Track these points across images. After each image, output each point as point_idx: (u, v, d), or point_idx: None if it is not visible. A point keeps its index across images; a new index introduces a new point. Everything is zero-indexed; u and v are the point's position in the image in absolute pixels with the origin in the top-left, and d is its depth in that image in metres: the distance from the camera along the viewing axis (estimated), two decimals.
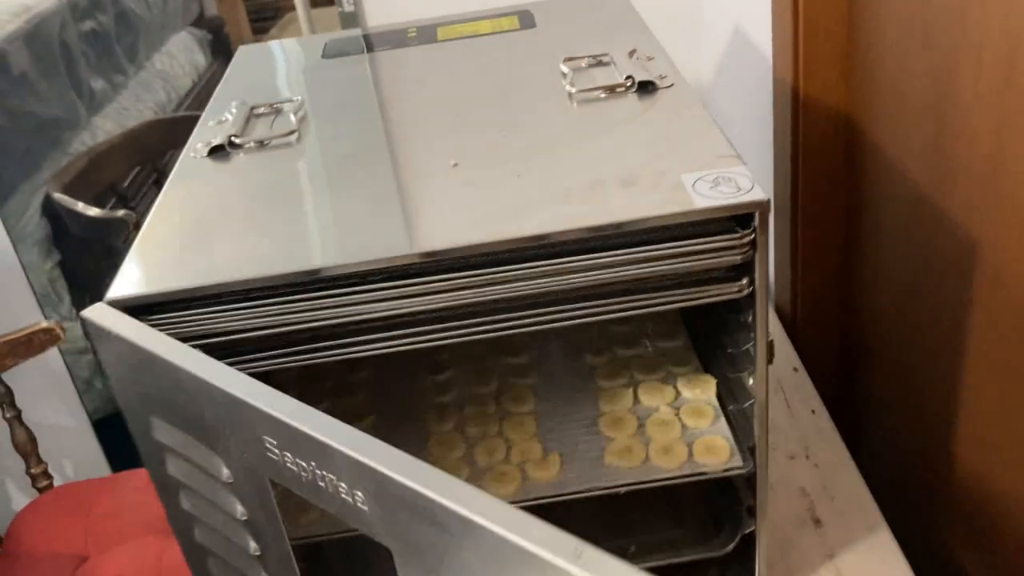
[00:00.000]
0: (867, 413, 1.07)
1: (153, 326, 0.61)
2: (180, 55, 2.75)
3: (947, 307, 0.85)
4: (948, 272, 0.83)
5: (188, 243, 0.66)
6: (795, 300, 1.09)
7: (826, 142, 0.99)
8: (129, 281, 0.62)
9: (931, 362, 0.89)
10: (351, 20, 1.48)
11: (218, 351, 0.63)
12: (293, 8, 2.06)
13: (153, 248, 0.66)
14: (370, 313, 0.62)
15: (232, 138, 0.77)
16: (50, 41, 2.04)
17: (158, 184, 2.15)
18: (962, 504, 0.89)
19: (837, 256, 1.05)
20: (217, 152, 0.77)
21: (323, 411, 0.83)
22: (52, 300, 1.84)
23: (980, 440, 0.84)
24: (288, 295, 0.61)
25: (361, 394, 0.85)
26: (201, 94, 2.75)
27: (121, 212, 1.70)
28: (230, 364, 0.62)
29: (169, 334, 0.61)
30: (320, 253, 0.62)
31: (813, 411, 0.98)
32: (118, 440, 1.95)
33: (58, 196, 1.71)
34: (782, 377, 1.04)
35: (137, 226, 1.82)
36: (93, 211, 1.69)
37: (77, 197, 1.76)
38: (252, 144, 0.77)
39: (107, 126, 2.15)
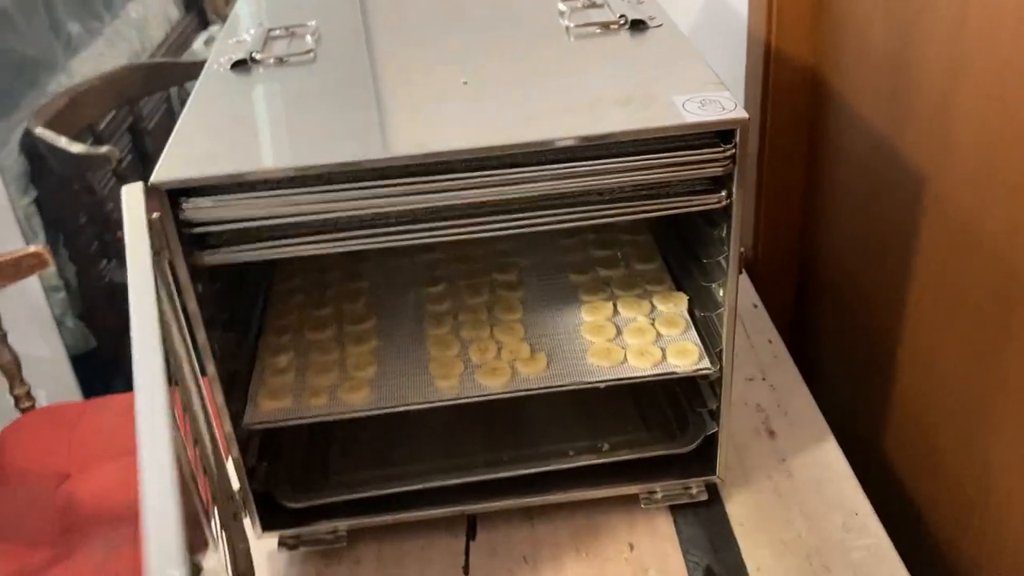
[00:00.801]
0: (820, 345, 1.17)
1: (186, 210, 0.67)
2: (154, 5, 2.76)
3: (896, 237, 0.94)
4: (898, 207, 0.93)
5: (216, 140, 0.72)
6: (756, 241, 1.18)
7: (793, 94, 1.08)
8: (168, 168, 0.68)
9: (880, 290, 0.99)
10: None
11: (241, 236, 0.69)
12: None
13: (186, 143, 0.72)
14: (382, 208, 0.69)
15: (253, 54, 0.83)
16: None
17: (132, 128, 2.18)
18: (903, 421, 0.99)
19: (798, 201, 1.15)
20: (239, 66, 0.83)
21: (327, 315, 0.90)
22: (28, 237, 1.86)
23: (921, 361, 0.94)
24: (307, 187, 0.67)
25: (362, 301, 0.92)
26: (173, 46, 2.77)
27: (104, 148, 1.73)
28: (249, 250, 0.69)
29: (198, 218, 0.68)
30: (340, 151, 0.68)
31: (770, 341, 1.07)
32: (88, 376, 1.98)
33: (41, 131, 1.74)
34: (742, 313, 1.12)
35: (120, 163, 1.86)
36: (76, 147, 1.72)
37: (57, 134, 1.78)
38: (272, 61, 0.83)
39: (83, 70, 2.17)
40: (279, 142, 0.72)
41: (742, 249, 0.75)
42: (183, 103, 2.47)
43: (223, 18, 3.04)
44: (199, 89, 0.80)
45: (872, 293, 1.02)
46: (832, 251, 1.11)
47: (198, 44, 2.78)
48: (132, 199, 0.68)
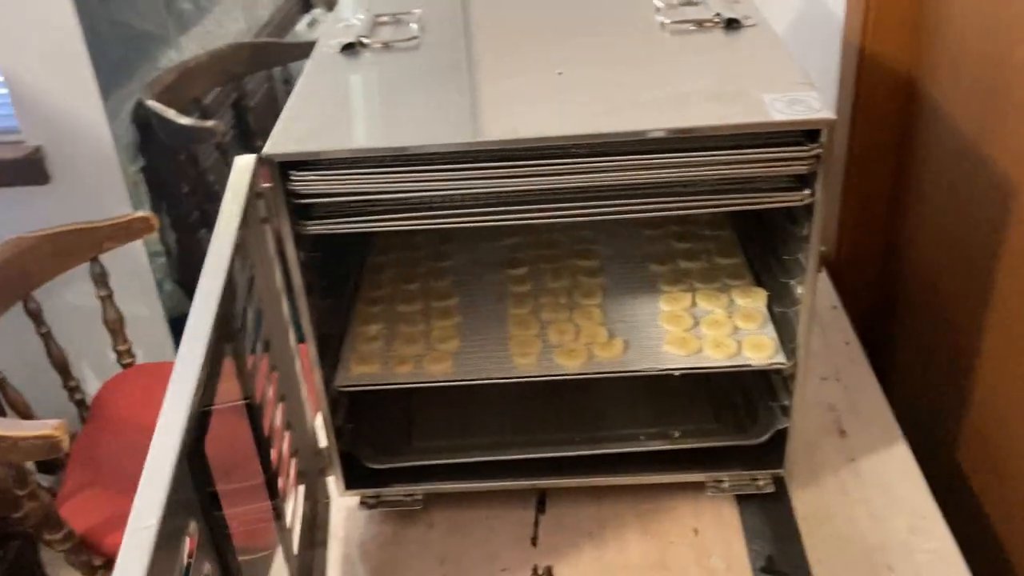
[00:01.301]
0: (898, 348, 1.17)
1: (294, 182, 0.72)
2: None
3: (982, 246, 0.93)
4: (986, 215, 0.92)
5: (325, 117, 0.76)
6: (839, 242, 1.18)
7: (885, 97, 1.08)
8: (280, 141, 0.72)
9: (962, 298, 0.99)
10: None
11: (342, 209, 0.74)
12: None
13: (296, 119, 0.76)
14: (473, 189, 0.73)
15: (361, 39, 0.88)
16: None
17: (236, 104, 2.27)
18: (978, 429, 0.99)
19: (883, 204, 1.14)
20: (348, 49, 0.87)
21: (415, 290, 0.94)
22: (134, 203, 1.95)
23: (1000, 370, 0.93)
24: (406, 166, 0.72)
25: (448, 279, 0.96)
26: (278, 26, 2.86)
27: (210, 122, 1.81)
28: (349, 222, 0.73)
29: (305, 190, 0.72)
30: (437, 134, 0.72)
31: (847, 342, 1.07)
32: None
33: (152, 103, 1.83)
34: (820, 313, 1.13)
35: (223, 137, 1.94)
36: (184, 119, 1.80)
37: (166, 107, 1.87)
38: (378, 45, 0.88)
39: (191, 47, 2.26)
40: (381, 123, 0.77)
41: (822, 248, 0.76)
42: (285, 82, 2.55)
43: (326, 1, 3.13)
44: (310, 69, 0.85)
45: (954, 300, 1.02)
46: (916, 256, 1.11)
47: (301, 26, 2.87)
48: (241, 169, 0.73)
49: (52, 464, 1.62)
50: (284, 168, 0.72)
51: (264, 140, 0.71)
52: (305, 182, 0.72)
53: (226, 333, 0.60)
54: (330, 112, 0.77)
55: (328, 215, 0.75)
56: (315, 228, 0.74)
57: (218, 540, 0.54)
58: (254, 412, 0.67)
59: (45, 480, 1.54)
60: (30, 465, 1.35)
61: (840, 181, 1.18)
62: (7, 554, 1.59)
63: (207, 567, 0.52)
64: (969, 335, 0.98)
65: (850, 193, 1.15)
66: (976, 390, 0.98)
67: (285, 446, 0.78)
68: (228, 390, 0.64)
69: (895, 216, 1.16)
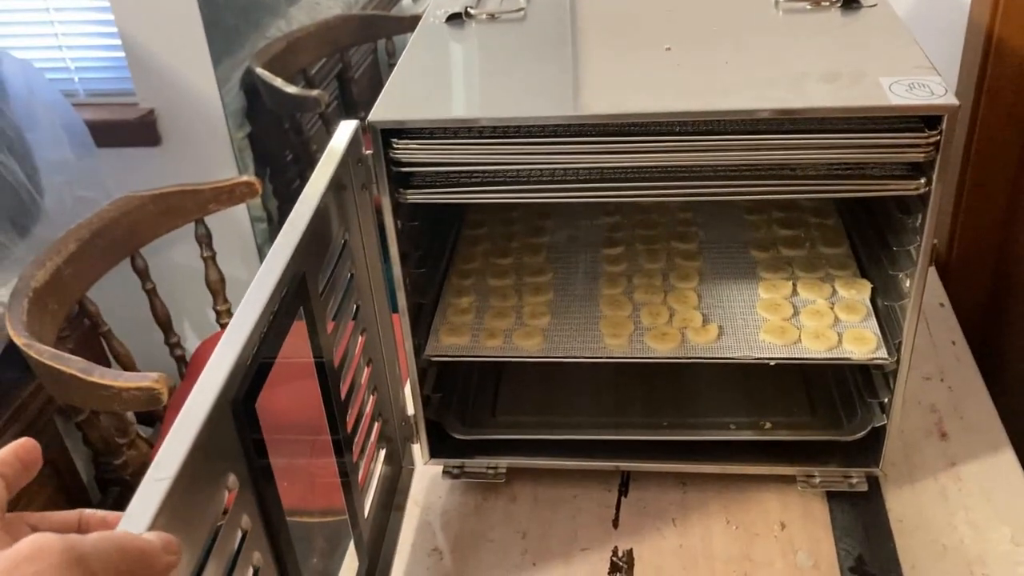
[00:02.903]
0: (1008, 352, 1.11)
1: (396, 150, 0.72)
2: None
3: None
4: None
5: (429, 87, 0.76)
6: (952, 243, 1.13)
7: (1012, 87, 1.02)
8: (384, 109, 0.73)
9: None
10: None
11: (441, 179, 0.74)
12: None
13: (400, 89, 0.77)
14: (573, 164, 0.72)
15: (468, 9, 0.87)
16: None
17: (340, 76, 2.30)
18: None
19: (1003, 201, 1.09)
20: (454, 19, 0.87)
21: (508, 264, 0.94)
22: (240, 168, 2.00)
23: None
24: (505, 137, 0.71)
25: (543, 255, 0.95)
26: (383, 0, 2.89)
27: (315, 92, 1.85)
28: (447, 193, 0.73)
29: (405, 158, 0.72)
30: (538, 106, 0.71)
31: (954, 342, 1.03)
32: None
33: (260, 71, 1.87)
34: (927, 311, 1.08)
35: (327, 106, 1.97)
36: (290, 88, 1.84)
37: (274, 75, 1.91)
38: (484, 16, 0.87)
39: (300, 17, 2.30)
40: (483, 94, 0.76)
41: (935, 241, 0.73)
42: (389, 55, 2.58)
43: None
44: (416, 38, 0.85)
45: None
46: None
47: (406, 1, 2.89)
48: (341, 135, 0.73)
49: (151, 416, 1.69)
50: (386, 135, 0.72)
51: (366, 111, 0.72)
52: (407, 150, 0.73)
53: (298, 292, 0.61)
54: (433, 82, 0.77)
55: (427, 184, 0.75)
56: (414, 196, 0.75)
57: (264, 497, 0.53)
58: (326, 372, 0.67)
59: (144, 431, 1.61)
60: (131, 416, 1.41)
61: (957, 173, 1.12)
62: (107, 499, 1.66)
63: (245, 521, 0.51)
64: None
65: (966, 186, 1.09)
66: None
67: (368, 409, 0.78)
68: (301, 348, 0.65)
69: (1013, 214, 1.10)
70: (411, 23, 2.48)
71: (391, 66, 2.50)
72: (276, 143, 2.08)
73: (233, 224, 1.85)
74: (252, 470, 0.52)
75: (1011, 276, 1.11)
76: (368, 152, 0.73)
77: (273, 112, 1.97)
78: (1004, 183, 1.10)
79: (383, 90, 0.75)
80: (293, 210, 0.66)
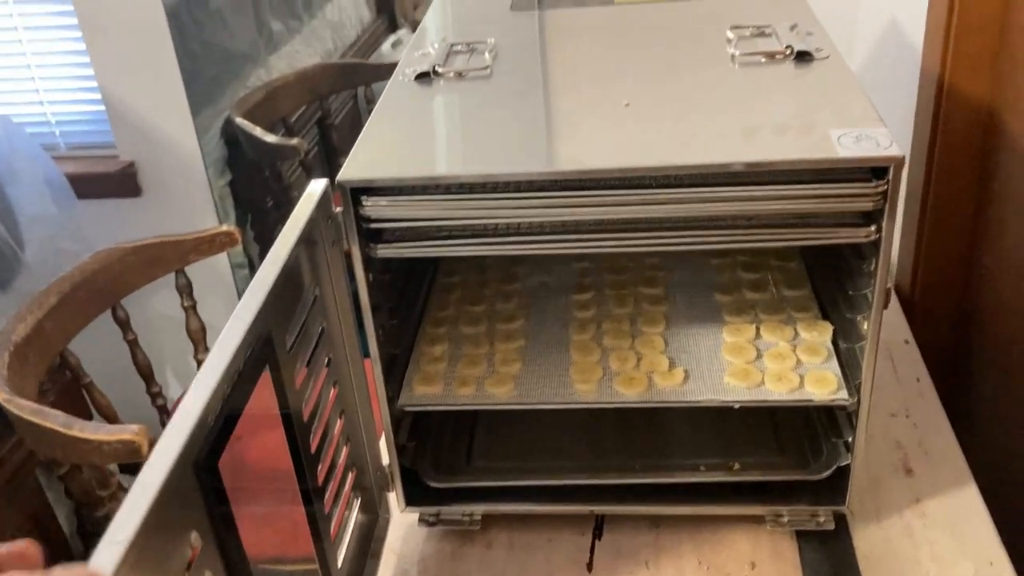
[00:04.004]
0: (973, 387, 1.14)
1: (366, 207, 0.74)
2: (349, 8, 2.95)
3: None
4: None
5: (398, 145, 0.79)
6: (915, 279, 1.16)
7: (963, 134, 1.06)
8: (353, 168, 0.75)
9: None
10: None
11: (411, 233, 0.76)
12: None
13: (370, 146, 0.79)
14: (541, 217, 0.74)
15: (436, 67, 0.90)
16: None
17: (320, 122, 2.33)
18: None
19: (962, 242, 1.12)
20: (422, 78, 0.90)
21: (481, 311, 0.96)
22: (220, 216, 2.02)
23: None
24: (474, 193, 0.73)
25: (514, 302, 0.97)
26: (364, 47, 2.94)
27: (294, 140, 1.88)
28: (418, 247, 0.76)
29: (375, 215, 0.75)
30: (505, 162, 0.74)
31: (918, 379, 1.05)
32: None
33: (240, 121, 1.90)
34: (892, 347, 1.11)
35: (307, 155, 2.00)
36: (270, 137, 1.87)
37: (254, 124, 1.94)
38: (452, 74, 0.90)
39: (280, 66, 2.34)
40: (451, 151, 0.79)
41: (889, 285, 0.75)
42: (368, 101, 2.61)
43: (411, 22, 3.20)
44: (386, 97, 0.88)
45: None
46: (996, 295, 1.08)
47: (386, 46, 2.94)
48: (312, 193, 0.76)
49: (135, 465, 1.69)
50: (356, 193, 0.74)
51: (345, 157, 0.74)
52: (377, 207, 0.75)
53: (264, 350, 0.63)
54: (402, 140, 0.80)
55: (398, 239, 0.77)
56: (385, 251, 0.77)
57: (228, 551, 0.54)
58: (294, 427, 0.69)
59: (127, 481, 1.61)
60: (113, 466, 1.41)
61: (917, 212, 1.15)
62: (89, 551, 1.66)
63: None
64: None
65: (927, 225, 1.13)
66: None
67: (342, 460, 0.80)
68: (272, 400, 0.66)
69: (974, 251, 1.13)
70: (389, 71, 2.52)
71: (371, 112, 2.54)
72: (257, 190, 2.10)
73: (214, 271, 1.87)
74: (215, 527, 0.53)
75: (974, 312, 1.14)
76: (338, 209, 0.75)
77: (253, 160, 2.00)
78: (962, 221, 1.13)
79: (353, 148, 0.78)
80: (261, 267, 0.68)
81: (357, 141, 0.79)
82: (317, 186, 0.75)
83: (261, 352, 0.62)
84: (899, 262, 1.22)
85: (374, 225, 0.76)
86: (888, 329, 0.79)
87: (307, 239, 0.73)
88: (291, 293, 0.70)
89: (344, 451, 0.82)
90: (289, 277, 0.69)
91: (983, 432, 1.11)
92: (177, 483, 0.48)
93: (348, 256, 0.77)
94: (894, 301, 1.20)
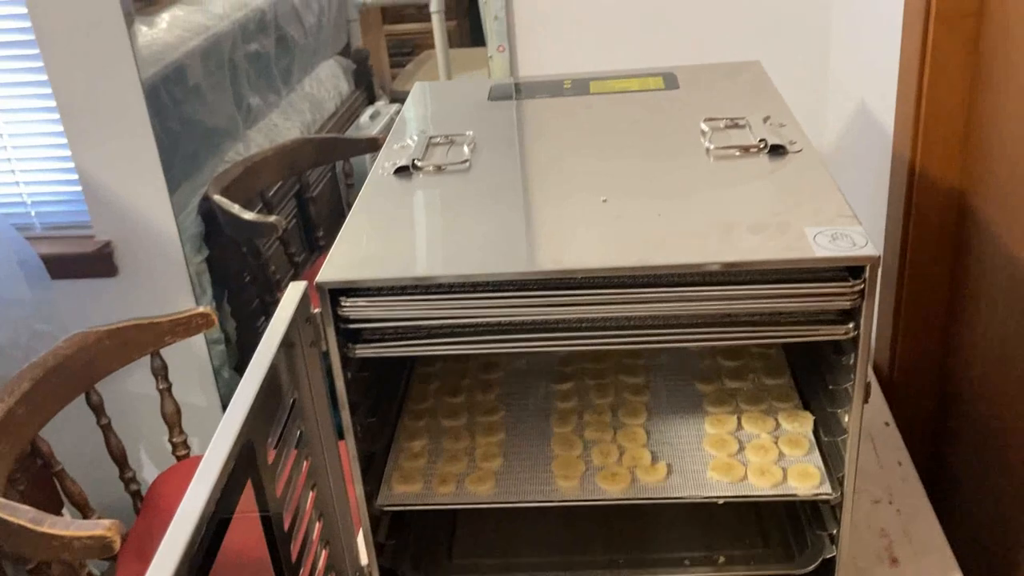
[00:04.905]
0: (955, 467, 1.14)
1: (345, 307, 0.74)
2: (327, 81, 2.97)
3: None
4: None
5: (377, 244, 0.79)
6: (893, 360, 1.17)
7: (936, 215, 1.07)
8: (332, 269, 0.75)
9: (1022, 435, 0.96)
10: (501, 67, 1.62)
11: (390, 332, 0.76)
12: (430, 46, 2.23)
13: (350, 246, 0.79)
14: (520, 316, 0.74)
15: (415, 161, 0.91)
16: (221, 59, 2.25)
17: (298, 196, 2.34)
18: None
19: (938, 323, 1.13)
20: (401, 172, 0.91)
21: (460, 403, 0.95)
22: (197, 291, 2.01)
23: None
24: (453, 294, 0.73)
25: (494, 393, 0.97)
26: (342, 118, 2.97)
27: (272, 218, 1.87)
28: (397, 347, 0.75)
29: (354, 315, 0.74)
30: (485, 262, 0.74)
31: (900, 463, 1.05)
32: None
33: (218, 198, 1.90)
34: (873, 430, 1.11)
35: (284, 231, 2.00)
36: (248, 214, 1.87)
37: (231, 200, 1.94)
38: (431, 168, 0.91)
39: (258, 139, 2.35)
40: (431, 251, 0.79)
41: (869, 379, 0.76)
42: (347, 175, 2.61)
43: (389, 93, 3.23)
44: (364, 192, 0.88)
45: (1015, 421, 0.99)
46: (974, 376, 1.09)
47: (364, 118, 2.97)
48: (291, 297, 0.75)
49: None
50: (334, 294, 0.74)
51: (325, 230, 0.74)
52: (355, 307, 0.74)
53: (247, 461, 0.62)
54: (381, 239, 0.80)
55: (376, 339, 0.77)
56: (364, 351, 0.76)
57: None
58: (275, 537, 0.68)
59: (97, 568, 1.57)
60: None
61: (894, 292, 1.16)
62: None
63: None
64: None
65: (904, 307, 1.14)
66: None
67: (321, 564, 0.78)
68: (250, 518, 0.65)
69: (950, 331, 1.14)
70: (368, 144, 2.54)
71: (349, 186, 2.54)
72: (234, 266, 2.09)
73: (190, 347, 1.85)
74: None
75: (952, 391, 1.15)
76: (316, 310, 0.74)
77: (231, 237, 1.99)
78: (938, 302, 1.14)
79: (332, 248, 0.78)
80: (245, 375, 0.67)
81: (336, 240, 0.79)
82: (296, 289, 0.75)
83: (246, 464, 0.62)
84: (877, 343, 1.22)
85: (353, 325, 0.75)
86: (868, 411, 0.79)
87: (286, 342, 0.72)
88: (272, 400, 0.69)
89: (324, 555, 0.80)
90: (271, 382, 0.68)
91: (965, 515, 1.11)
92: None
93: (326, 356, 0.76)
94: (872, 381, 1.20)
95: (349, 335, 0.76)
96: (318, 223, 2.33)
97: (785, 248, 0.71)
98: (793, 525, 0.90)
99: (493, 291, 0.73)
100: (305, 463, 0.77)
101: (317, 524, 0.79)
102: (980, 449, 1.08)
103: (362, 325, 0.75)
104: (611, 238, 0.76)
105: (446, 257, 0.77)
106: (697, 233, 0.75)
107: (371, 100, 3.19)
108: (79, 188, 1.74)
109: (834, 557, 0.82)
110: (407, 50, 3.16)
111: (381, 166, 0.92)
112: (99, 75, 1.64)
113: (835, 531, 0.82)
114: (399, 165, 0.91)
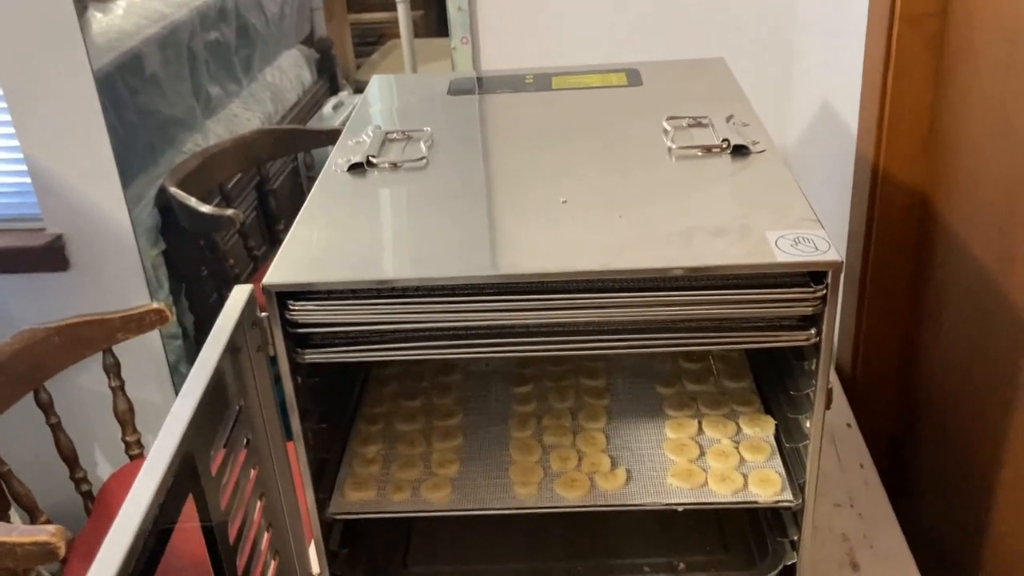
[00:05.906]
0: (917, 467, 1.13)
1: (293, 311, 0.71)
2: (289, 71, 2.92)
3: (1001, 385, 0.91)
4: (1004, 352, 0.90)
5: (328, 244, 0.76)
6: (855, 361, 1.16)
7: (900, 217, 1.07)
8: (279, 271, 0.72)
9: (983, 421, 0.96)
10: (464, 59, 1.59)
11: (340, 337, 0.73)
12: (395, 36, 2.19)
13: (300, 246, 0.76)
14: (475, 321, 0.72)
15: (370, 158, 0.88)
16: (180, 47, 2.19)
17: (259, 188, 2.30)
18: (1001, 556, 0.95)
19: (900, 324, 1.12)
20: (356, 169, 0.88)
21: (416, 407, 0.93)
22: (153, 286, 1.97)
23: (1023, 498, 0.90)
24: (405, 298, 0.71)
25: (452, 396, 0.94)
26: (304, 109, 2.92)
27: (230, 211, 1.83)
28: (347, 352, 0.73)
29: (302, 320, 0.72)
30: (442, 265, 0.72)
31: (862, 465, 1.04)
32: None
33: (174, 190, 1.85)
34: (835, 432, 1.10)
35: (243, 224, 1.96)
36: (205, 208, 1.82)
37: (188, 193, 1.89)
38: (386, 165, 0.88)
39: (218, 130, 2.30)
40: (384, 253, 0.76)
41: (830, 385, 0.74)
42: (308, 167, 2.57)
43: (352, 83, 3.19)
44: (316, 190, 0.85)
45: (975, 424, 0.99)
46: (935, 377, 1.08)
47: (327, 108, 2.92)
48: (236, 299, 0.72)
49: None
50: (282, 297, 0.71)
51: (286, 222, 0.71)
52: (304, 311, 0.72)
53: (187, 474, 0.59)
54: (333, 239, 0.77)
55: (327, 344, 0.74)
56: (313, 357, 0.74)
57: None
58: (219, 551, 0.65)
59: (47, 571, 1.53)
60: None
61: (856, 293, 1.16)
62: None
63: None
64: (990, 462, 0.95)
65: (867, 308, 1.13)
66: (999, 523, 0.95)
67: (270, 574, 0.76)
68: (192, 529, 0.63)
69: (913, 331, 1.13)
70: (330, 136, 2.49)
71: (310, 178, 2.50)
72: (192, 259, 2.05)
73: (144, 342, 1.80)
74: None
75: (915, 393, 1.14)
76: (264, 314, 0.72)
77: (188, 230, 1.95)
78: (901, 302, 1.13)
79: (280, 249, 0.75)
80: (186, 382, 0.65)
81: (285, 241, 0.76)
82: (242, 292, 0.72)
83: (186, 476, 0.59)
84: (839, 343, 1.22)
85: (302, 330, 0.72)
86: (830, 413, 0.78)
87: (232, 346, 0.69)
88: (216, 407, 0.67)
89: (273, 564, 0.77)
90: (216, 389, 0.65)
91: (926, 518, 1.10)
92: None
93: (274, 361, 0.74)
94: (835, 382, 1.20)
95: (298, 339, 0.73)
96: (279, 216, 2.29)
97: (747, 253, 0.69)
98: (754, 531, 0.88)
99: (449, 295, 0.71)
100: (253, 472, 0.74)
101: (266, 533, 0.76)
102: (941, 451, 1.08)
103: (312, 329, 0.73)
104: (571, 241, 0.74)
105: (400, 260, 0.75)
106: (658, 237, 0.73)
107: (334, 91, 3.15)
108: (28, 179, 1.69)
109: (795, 564, 0.81)
110: (372, 39, 3.11)
111: (335, 162, 0.89)
112: (49, 62, 1.58)
113: (796, 537, 0.81)
114: (353, 162, 0.88)
